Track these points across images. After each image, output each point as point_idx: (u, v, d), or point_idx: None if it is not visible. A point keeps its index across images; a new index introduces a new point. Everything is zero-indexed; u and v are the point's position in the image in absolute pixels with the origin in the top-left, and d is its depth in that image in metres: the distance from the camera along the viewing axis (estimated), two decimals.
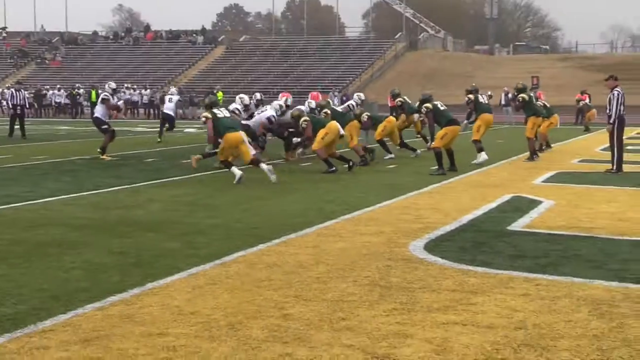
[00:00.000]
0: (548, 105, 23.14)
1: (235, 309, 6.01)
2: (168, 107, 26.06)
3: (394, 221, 10.09)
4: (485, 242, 8.71)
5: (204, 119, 14.68)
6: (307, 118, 16.61)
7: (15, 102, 28.22)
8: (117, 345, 5.18)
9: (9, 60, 72.89)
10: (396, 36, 71.32)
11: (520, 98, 19.12)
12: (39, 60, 72.40)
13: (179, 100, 27.43)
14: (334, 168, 15.90)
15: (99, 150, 19.28)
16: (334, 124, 16.43)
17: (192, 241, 8.64)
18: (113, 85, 21.16)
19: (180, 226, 9.59)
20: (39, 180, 14.56)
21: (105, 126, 19.37)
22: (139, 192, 12.90)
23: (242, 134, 14.51)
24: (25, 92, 32.17)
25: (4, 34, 78.32)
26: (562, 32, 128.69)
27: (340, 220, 10.12)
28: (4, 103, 51.87)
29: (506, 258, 7.92)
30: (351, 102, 21.43)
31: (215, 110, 14.59)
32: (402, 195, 12.53)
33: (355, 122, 18.27)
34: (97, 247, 8.31)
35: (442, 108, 16.89)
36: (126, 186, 13.55)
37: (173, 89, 29.62)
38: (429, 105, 16.93)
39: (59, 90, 52.24)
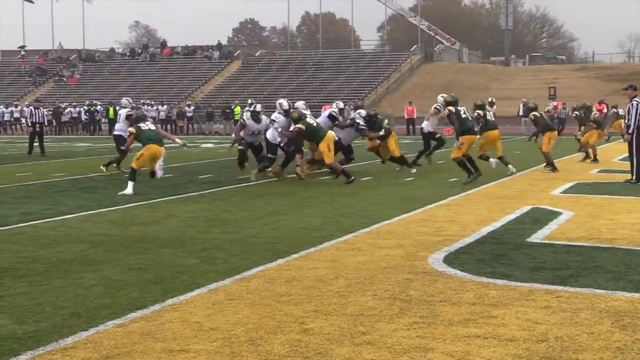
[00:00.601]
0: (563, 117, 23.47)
1: (255, 324, 6.00)
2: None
3: (412, 234, 10.06)
4: (504, 254, 8.68)
5: (128, 133, 16.15)
6: (302, 125, 16.72)
7: (34, 120, 28.34)
8: None
9: (27, 78, 73.39)
10: (412, 48, 71.39)
11: (532, 117, 19.52)
12: (57, 78, 72.87)
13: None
14: (353, 177, 16.13)
15: (115, 165, 19.46)
16: (331, 134, 16.85)
17: (210, 257, 8.65)
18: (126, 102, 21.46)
19: (198, 242, 9.61)
20: (58, 197, 14.63)
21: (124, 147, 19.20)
22: (157, 208, 12.94)
23: (163, 150, 15.37)
24: (45, 109, 32.29)
25: (23, 52, 78.88)
26: (578, 42, 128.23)
27: (359, 234, 10.11)
28: (23, 121, 52.41)
29: (526, 270, 7.88)
30: (354, 115, 19.73)
31: (140, 124, 15.59)
32: (420, 207, 12.50)
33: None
34: (117, 263, 8.33)
35: (463, 115, 16.88)
36: (144, 202, 13.59)
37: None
38: (451, 108, 16.89)
39: (74, 107, 52.50)
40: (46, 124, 30.84)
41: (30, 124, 28.69)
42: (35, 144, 27.94)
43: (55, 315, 6.28)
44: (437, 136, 20.95)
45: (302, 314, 6.31)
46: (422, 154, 20.68)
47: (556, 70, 68.20)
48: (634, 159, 15.72)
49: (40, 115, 28.62)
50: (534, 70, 69.80)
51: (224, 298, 6.82)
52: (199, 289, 7.14)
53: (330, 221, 11.20)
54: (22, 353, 5.37)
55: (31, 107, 29.92)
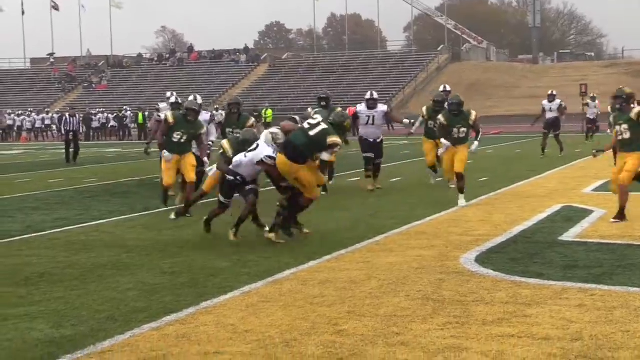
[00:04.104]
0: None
1: (289, 326, 6.04)
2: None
3: (444, 234, 10.06)
4: (537, 253, 8.66)
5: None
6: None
7: (68, 128, 27.58)
8: None
9: (57, 85, 74.04)
10: (439, 48, 71.20)
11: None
12: (86, 84, 73.46)
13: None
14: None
15: None
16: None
17: (243, 260, 8.70)
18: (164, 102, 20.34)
19: (230, 245, 9.66)
20: (91, 202, 14.76)
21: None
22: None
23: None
24: (80, 117, 31.74)
25: (52, 60, 79.57)
26: (607, 38, 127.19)
27: (390, 235, 10.12)
28: (54, 127, 52.86)
29: (559, 269, 7.85)
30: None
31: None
32: (450, 208, 12.48)
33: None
34: (150, 267, 8.41)
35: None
36: (175, 207, 13.65)
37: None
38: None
39: (103, 112, 52.86)
40: (81, 132, 30.15)
41: (64, 132, 28.14)
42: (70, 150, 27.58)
43: (92, 319, 6.36)
44: None
45: (335, 315, 6.34)
46: None
47: (585, 67, 67.69)
48: None
49: (75, 123, 27.92)
50: (563, 68, 69.32)
51: (257, 300, 6.86)
52: (232, 291, 7.19)
53: (361, 222, 11.22)
54: (61, 357, 5.45)
55: (66, 115, 29.16)
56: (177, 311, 6.54)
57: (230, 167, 10.11)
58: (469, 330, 5.84)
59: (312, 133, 9.69)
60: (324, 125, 9.77)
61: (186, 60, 76.64)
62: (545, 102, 24.22)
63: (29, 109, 58.04)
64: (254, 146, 10.00)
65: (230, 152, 10.31)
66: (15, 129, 54.40)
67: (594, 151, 12.21)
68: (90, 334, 5.94)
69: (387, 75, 65.71)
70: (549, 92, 24.65)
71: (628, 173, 10.57)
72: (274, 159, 9.71)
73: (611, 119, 11.13)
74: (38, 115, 54.78)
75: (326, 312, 6.44)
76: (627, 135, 10.64)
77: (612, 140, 11.30)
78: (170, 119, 12.51)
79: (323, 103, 15.43)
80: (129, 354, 5.47)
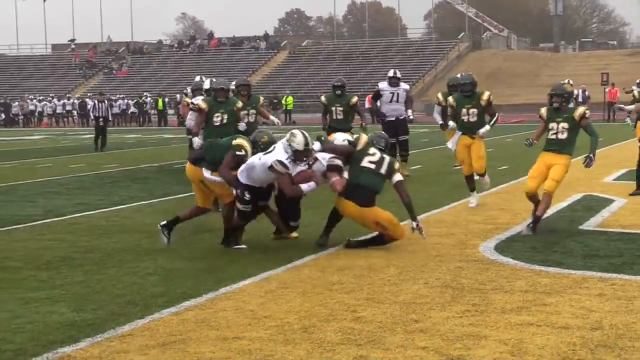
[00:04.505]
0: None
1: (308, 312, 6.05)
2: None
3: (463, 222, 10.04)
4: (557, 242, 8.63)
5: None
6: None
7: (97, 114, 26.86)
8: (194, 349, 5.27)
9: (77, 72, 74.32)
10: (459, 36, 70.84)
11: None
12: (106, 71, 73.70)
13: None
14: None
15: None
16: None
17: (262, 246, 8.71)
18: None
19: (250, 231, 9.67)
20: (111, 188, 14.84)
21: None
22: None
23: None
24: (109, 101, 30.81)
25: (73, 46, 79.88)
26: (630, 26, 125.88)
27: (409, 223, 10.08)
28: (74, 113, 53.08)
29: (579, 258, 7.83)
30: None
31: None
32: (470, 195, 12.43)
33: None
34: (170, 253, 8.44)
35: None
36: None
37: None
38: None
39: (123, 99, 52.96)
40: (110, 117, 28.51)
41: (93, 118, 27.48)
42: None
43: (112, 303, 6.40)
44: None
45: (354, 302, 6.35)
46: None
47: (607, 56, 67.18)
48: None
49: (104, 109, 27.00)
50: (585, 56, 68.83)
51: (276, 287, 6.88)
52: (251, 277, 7.21)
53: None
54: (81, 340, 5.49)
55: (95, 100, 28.64)
56: (196, 296, 6.57)
57: (241, 169, 8.53)
58: (487, 318, 5.83)
59: (383, 171, 8.70)
60: (387, 157, 8.87)
61: (206, 47, 76.67)
62: None
63: (50, 95, 58.30)
64: (270, 148, 8.50)
65: (249, 154, 8.62)
66: (37, 114, 54.70)
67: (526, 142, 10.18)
68: (110, 318, 5.98)
69: (407, 63, 65.46)
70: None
71: (555, 182, 9.47)
72: (286, 167, 8.30)
73: (543, 111, 9.70)
74: (59, 101, 55.01)
75: (345, 298, 6.45)
76: (563, 136, 9.49)
77: (537, 131, 10.02)
78: (203, 105, 11.52)
79: (338, 92, 14.97)
80: (149, 338, 5.50)
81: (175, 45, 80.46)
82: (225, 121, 11.38)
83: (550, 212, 10.64)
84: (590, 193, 12.44)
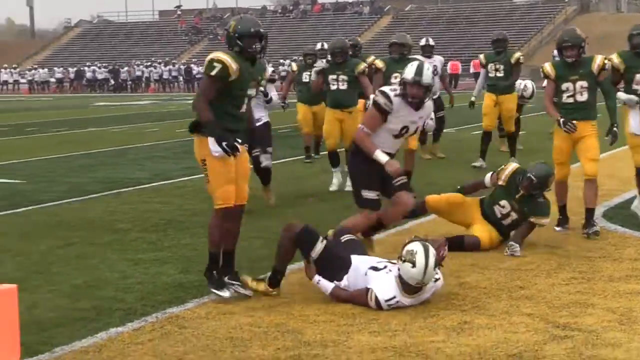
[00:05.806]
0: None
1: None
2: None
3: (570, 188, 9.81)
4: None
5: None
6: None
7: None
8: (299, 311, 5.34)
9: (183, 38, 75.48)
10: None
11: None
12: (211, 37, 74.59)
13: None
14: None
15: None
16: None
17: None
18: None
19: (351, 197, 9.66)
20: None
21: None
22: (314, 163, 13.13)
23: None
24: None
25: (179, 12, 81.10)
26: None
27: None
28: (180, 79, 53.95)
29: None
30: None
31: None
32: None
33: None
34: (274, 216, 8.54)
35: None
36: (299, 157, 13.76)
37: None
38: None
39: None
40: None
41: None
42: None
43: None
44: None
45: (457, 267, 6.32)
46: None
47: None
48: None
49: None
50: None
51: (381, 251, 6.87)
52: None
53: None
54: (188, 301, 5.64)
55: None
56: (300, 260, 6.61)
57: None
58: (595, 286, 5.72)
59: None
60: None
61: (309, 12, 76.74)
62: None
63: (158, 61, 59.42)
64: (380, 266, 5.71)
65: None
66: (144, 80, 55.88)
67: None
68: None
69: (513, 27, 64.01)
70: None
71: (596, 163, 8.15)
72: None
73: (548, 67, 7.93)
74: (165, 66, 56.03)
75: (449, 263, 6.39)
76: (582, 97, 7.73)
77: (548, 99, 7.94)
78: (380, 65, 10.54)
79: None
80: (255, 301, 5.61)
81: (279, 10, 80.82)
82: (342, 86, 10.30)
83: None
84: None
